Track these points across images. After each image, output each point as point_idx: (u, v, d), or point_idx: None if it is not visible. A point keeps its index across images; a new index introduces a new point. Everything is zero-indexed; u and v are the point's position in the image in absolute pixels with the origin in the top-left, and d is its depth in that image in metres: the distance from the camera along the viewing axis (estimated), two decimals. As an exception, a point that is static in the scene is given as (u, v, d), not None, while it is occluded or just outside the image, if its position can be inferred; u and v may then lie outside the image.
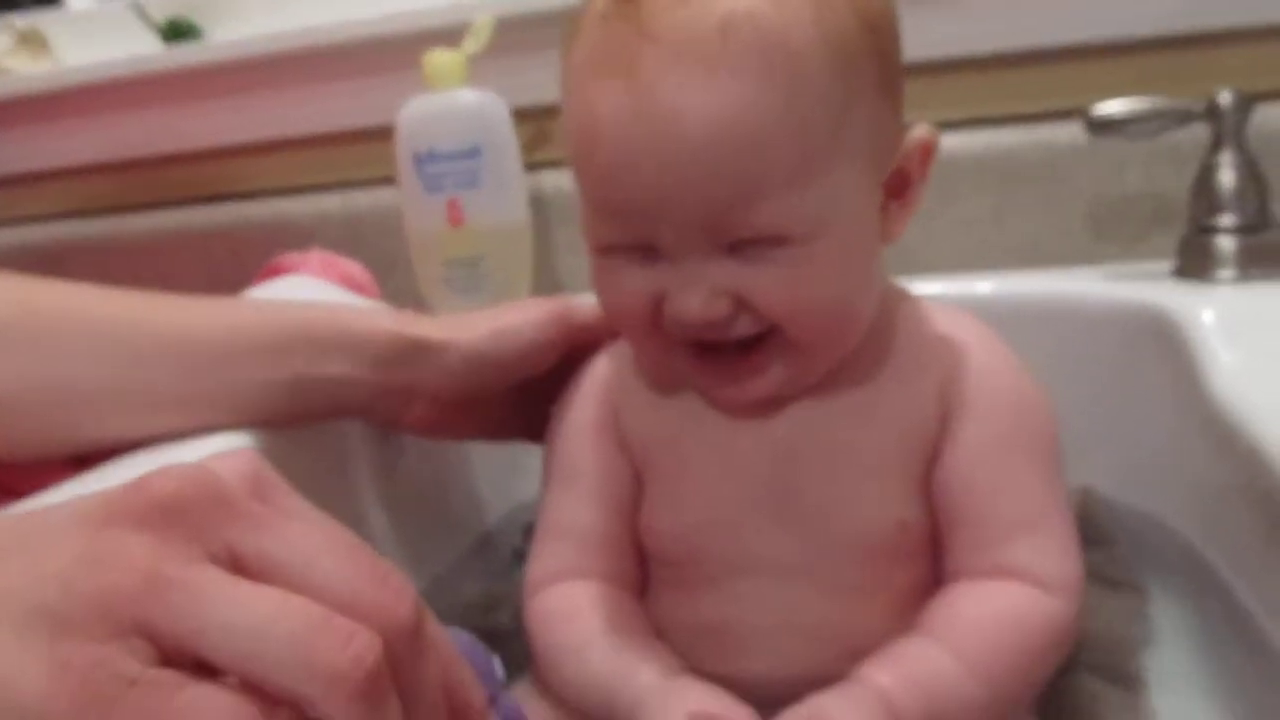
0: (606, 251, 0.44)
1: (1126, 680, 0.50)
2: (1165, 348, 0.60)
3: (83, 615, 0.24)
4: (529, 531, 0.56)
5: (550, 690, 0.48)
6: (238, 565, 0.26)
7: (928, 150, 0.46)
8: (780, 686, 0.44)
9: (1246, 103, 0.66)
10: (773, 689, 0.44)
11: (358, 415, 0.56)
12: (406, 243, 0.86)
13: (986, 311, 0.69)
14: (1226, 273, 0.65)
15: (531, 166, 0.89)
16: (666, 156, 0.39)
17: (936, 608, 0.45)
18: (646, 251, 0.43)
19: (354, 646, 0.25)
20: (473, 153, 0.79)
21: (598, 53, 0.41)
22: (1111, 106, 0.66)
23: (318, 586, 0.26)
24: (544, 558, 0.51)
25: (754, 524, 0.47)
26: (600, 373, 0.52)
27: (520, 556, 0.63)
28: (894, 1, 0.44)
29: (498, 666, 0.36)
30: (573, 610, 0.49)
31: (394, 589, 0.27)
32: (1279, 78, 0.77)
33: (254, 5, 1.10)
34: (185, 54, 1.05)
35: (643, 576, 0.51)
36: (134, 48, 1.11)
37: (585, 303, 0.54)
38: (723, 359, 0.44)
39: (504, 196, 0.81)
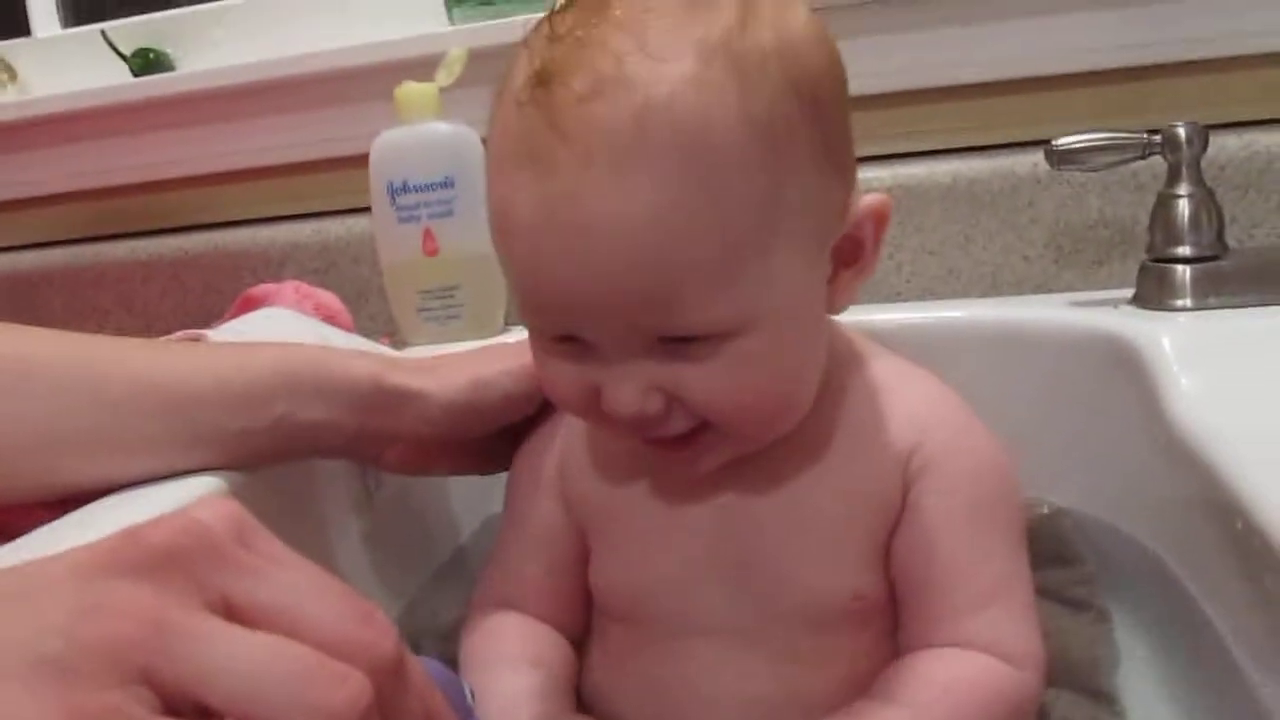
0: (537, 338, 0.43)
1: (1095, 696, 0.51)
2: (1126, 373, 0.62)
3: (89, 664, 0.24)
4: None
5: None
6: (231, 612, 0.27)
7: (881, 218, 0.44)
8: None
9: (1202, 135, 0.67)
10: None
11: (337, 456, 0.56)
12: (379, 271, 0.87)
13: (954, 339, 0.72)
14: (1183, 301, 0.66)
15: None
16: (581, 260, 0.38)
17: (900, 672, 0.44)
18: (577, 343, 0.41)
19: (348, 688, 0.26)
20: (446, 183, 0.80)
21: (512, 140, 0.39)
22: (1072, 138, 0.68)
23: (308, 630, 0.27)
24: (488, 585, 0.54)
25: (700, 587, 0.47)
26: (551, 432, 0.53)
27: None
28: (840, 64, 0.42)
29: (469, 692, 0.37)
30: (498, 631, 0.51)
31: (377, 628, 0.28)
32: (1233, 109, 0.80)
33: (225, 35, 1.11)
34: (158, 84, 1.05)
35: (584, 623, 0.53)
36: (103, 75, 1.11)
37: None
38: (663, 442, 0.43)
39: (478, 226, 0.80)
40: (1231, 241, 0.68)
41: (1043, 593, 0.57)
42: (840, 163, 0.42)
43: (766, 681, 0.46)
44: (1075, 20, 0.82)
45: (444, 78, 0.81)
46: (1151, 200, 0.70)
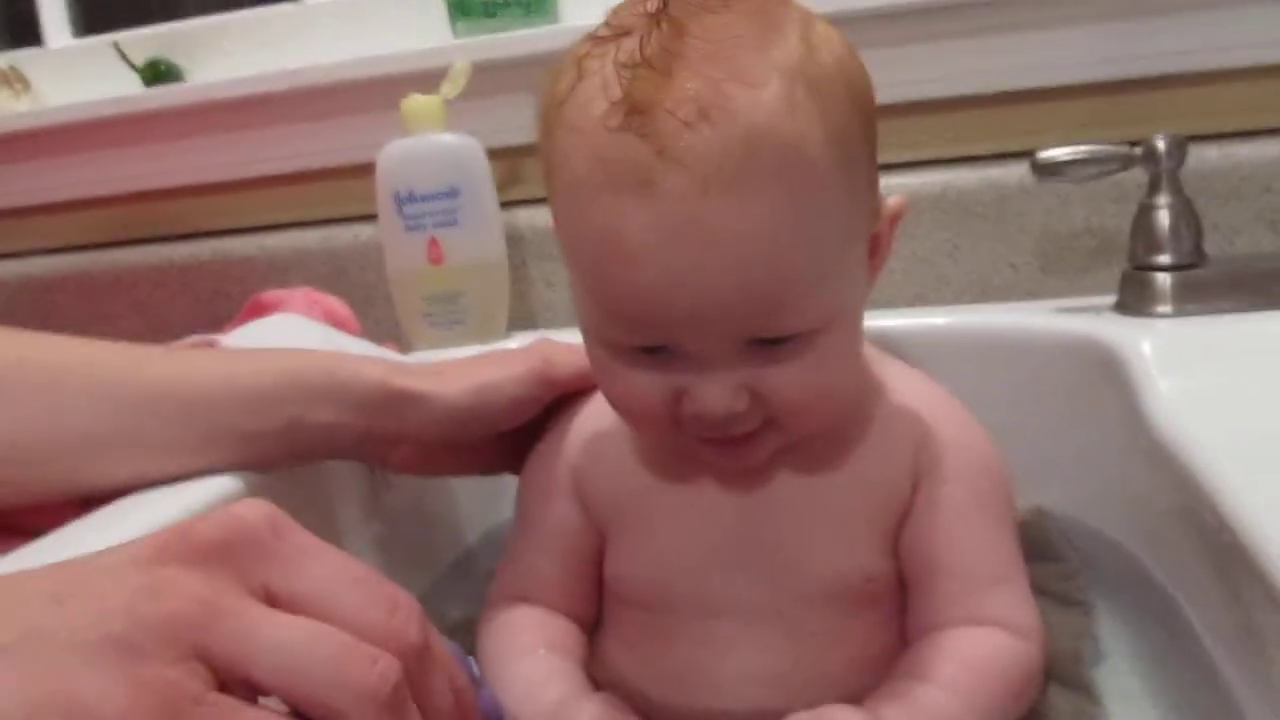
0: (618, 351, 0.44)
1: (1075, 688, 0.52)
2: (1108, 378, 0.63)
3: (151, 641, 0.27)
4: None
5: None
6: (271, 599, 0.30)
7: (898, 217, 0.48)
8: None
9: (1181, 146, 0.69)
10: None
11: (345, 458, 0.58)
12: (385, 277, 0.88)
13: (944, 344, 0.73)
14: (1164, 308, 0.68)
15: (506, 204, 0.92)
16: (699, 279, 0.39)
17: (925, 651, 0.46)
18: (661, 351, 0.43)
19: (380, 667, 0.29)
20: (451, 193, 0.82)
21: (610, 166, 0.39)
22: (1055, 151, 0.69)
23: (341, 617, 0.30)
24: (503, 583, 0.55)
25: (721, 571, 0.49)
26: (565, 433, 0.55)
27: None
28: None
29: (474, 667, 0.40)
30: (515, 624, 0.52)
31: (403, 614, 0.32)
32: (1214, 121, 0.82)
33: (234, 46, 1.13)
34: (169, 94, 1.07)
35: (594, 617, 0.54)
36: (114, 84, 1.13)
37: (564, 356, 0.56)
38: (728, 441, 0.45)
39: (481, 234, 0.84)
40: (1212, 250, 0.70)
41: (1031, 587, 0.60)
42: (876, 165, 0.46)
43: (783, 660, 0.48)
44: (1060, 36, 0.84)
45: (449, 90, 0.84)
46: (1135, 210, 0.71)
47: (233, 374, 0.53)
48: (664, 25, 0.40)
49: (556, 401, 0.57)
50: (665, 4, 0.40)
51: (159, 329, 1.09)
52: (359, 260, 1.02)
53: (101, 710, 0.26)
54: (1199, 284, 0.68)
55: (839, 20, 0.82)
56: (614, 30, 0.41)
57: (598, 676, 0.52)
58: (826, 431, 0.47)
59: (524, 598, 0.54)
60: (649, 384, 0.43)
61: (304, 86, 1.00)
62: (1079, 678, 0.53)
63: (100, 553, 0.31)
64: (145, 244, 1.12)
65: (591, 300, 0.44)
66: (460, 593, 0.67)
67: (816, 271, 0.41)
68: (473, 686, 0.36)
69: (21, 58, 1.20)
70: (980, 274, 0.86)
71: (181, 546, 0.29)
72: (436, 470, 0.60)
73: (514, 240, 0.91)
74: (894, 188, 0.86)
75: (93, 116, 1.08)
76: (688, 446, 0.46)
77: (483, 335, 0.84)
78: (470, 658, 0.40)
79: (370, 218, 0.94)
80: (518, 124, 0.85)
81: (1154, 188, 0.70)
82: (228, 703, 0.28)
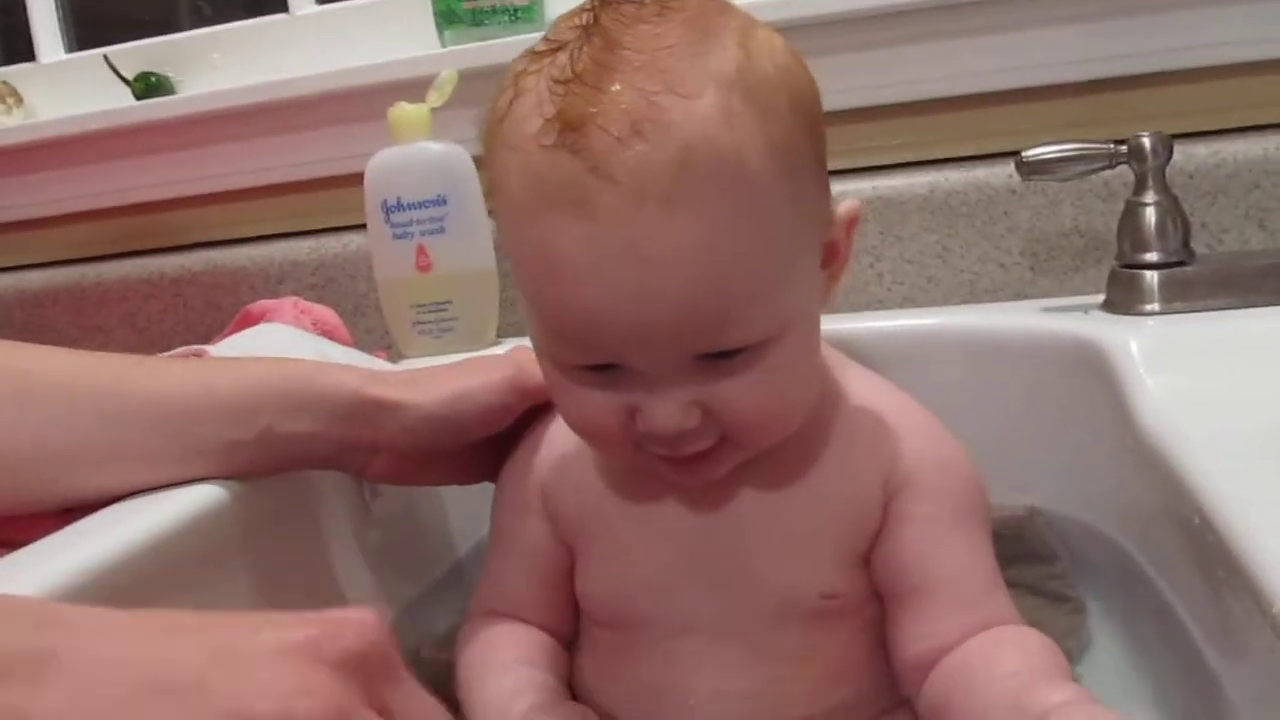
0: (566, 369, 0.44)
1: None
2: (1096, 376, 0.63)
3: None
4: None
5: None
6: (385, 716, 0.32)
7: (853, 222, 0.46)
8: None
9: (1167, 144, 0.69)
10: None
11: (323, 467, 0.57)
12: (375, 286, 0.89)
13: (933, 345, 0.74)
14: (1151, 305, 0.68)
15: (495, 213, 0.92)
16: (637, 296, 0.38)
17: (975, 652, 0.45)
18: (611, 368, 0.42)
19: None
20: (439, 201, 0.82)
21: (545, 185, 0.39)
22: (1041, 150, 0.70)
23: None
24: (481, 599, 0.55)
25: (687, 588, 0.48)
26: (536, 448, 0.55)
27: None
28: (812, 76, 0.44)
29: None
30: (492, 638, 0.52)
31: None
32: (1201, 119, 0.82)
33: (224, 59, 1.13)
34: (160, 107, 1.07)
35: (573, 626, 0.54)
36: (106, 99, 1.13)
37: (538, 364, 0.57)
38: (684, 459, 0.44)
39: (469, 242, 0.84)
40: (1200, 248, 0.70)
41: (1022, 586, 0.60)
42: (825, 172, 0.44)
43: (748, 678, 0.48)
44: (1045, 35, 0.84)
45: (435, 99, 0.84)
46: (1121, 208, 0.71)
47: (211, 384, 0.53)
48: (595, 38, 0.39)
49: (533, 410, 0.57)
50: (597, 17, 0.40)
51: (151, 341, 1.10)
52: (349, 269, 1.02)
53: None
54: (1186, 282, 0.68)
55: (821, 23, 0.83)
56: (550, 45, 0.40)
57: (574, 694, 0.53)
58: (785, 443, 0.46)
59: (502, 613, 0.54)
60: (601, 402, 0.43)
61: (293, 97, 1.01)
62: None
63: (253, 625, 0.33)
64: (137, 256, 1.13)
65: (537, 319, 0.43)
66: (449, 603, 0.67)
67: (761, 284, 0.40)
68: None
69: (14, 73, 1.20)
70: (969, 274, 0.86)
71: (329, 649, 0.31)
72: (415, 480, 0.61)
73: (503, 248, 0.91)
74: (881, 189, 0.87)
75: (85, 130, 1.09)
76: (647, 463, 0.45)
77: (472, 342, 0.84)
78: None
79: (360, 227, 0.94)
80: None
81: (1141, 186, 0.70)
82: None
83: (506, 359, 0.57)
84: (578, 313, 0.40)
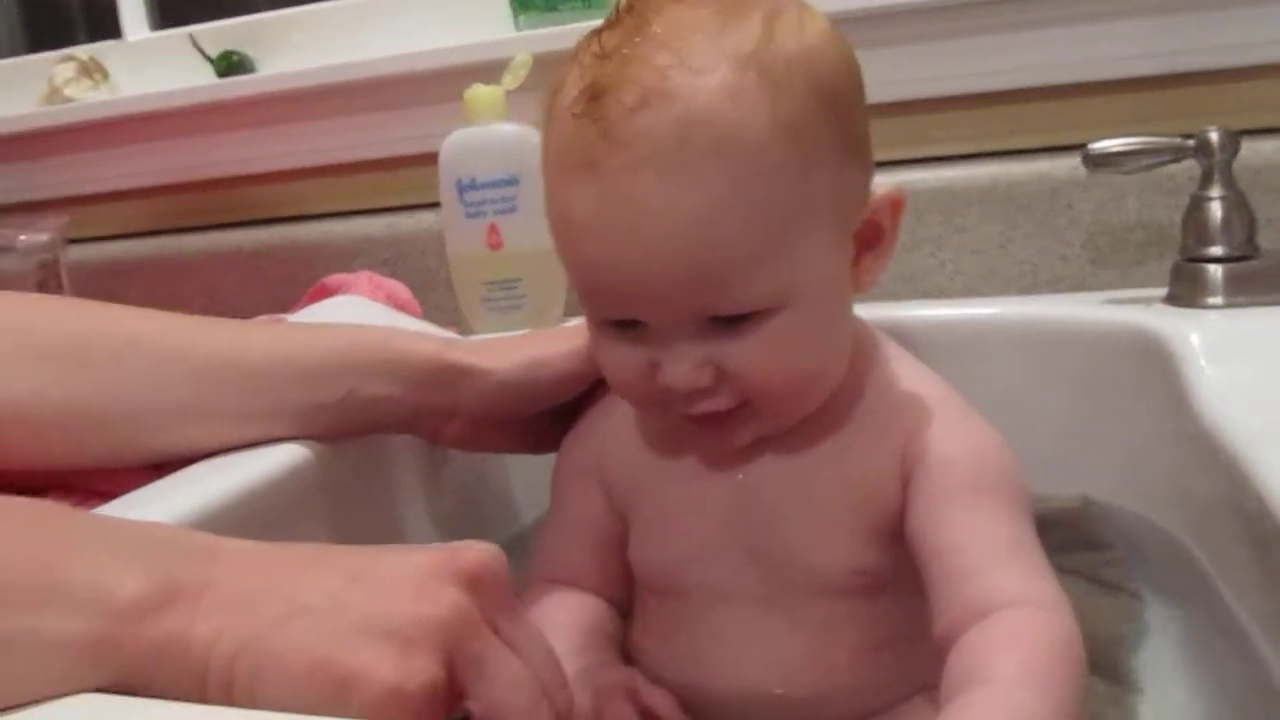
0: (599, 325, 0.47)
1: (1115, 675, 0.53)
2: (1158, 369, 0.63)
3: (422, 638, 0.33)
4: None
5: None
6: (497, 634, 0.36)
7: (897, 205, 0.48)
8: (760, 710, 0.49)
9: (1234, 139, 0.69)
10: (753, 712, 0.49)
11: (400, 431, 0.59)
12: (445, 263, 0.90)
13: (993, 334, 0.74)
14: (1215, 299, 0.68)
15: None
16: (635, 256, 0.42)
17: (966, 653, 0.43)
18: (636, 325, 0.45)
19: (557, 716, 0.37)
20: (511, 181, 0.84)
21: (567, 148, 0.43)
22: (1108, 143, 0.70)
23: (536, 667, 0.36)
24: (539, 565, 0.57)
25: (726, 560, 0.50)
26: (592, 421, 0.57)
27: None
28: (856, 65, 0.47)
29: None
30: (550, 603, 0.54)
31: (566, 694, 0.38)
32: (1265, 115, 0.81)
33: (304, 39, 1.16)
34: (241, 85, 1.10)
35: (628, 594, 0.56)
36: (189, 76, 1.16)
37: None
38: (707, 418, 0.47)
39: (540, 222, 0.84)
40: (1265, 243, 0.70)
41: (1076, 574, 0.60)
42: (859, 154, 0.46)
43: (788, 646, 0.49)
44: (1112, 28, 0.84)
45: (510, 81, 0.85)
46: (1186, 203, 0.72)
47: (296, 347, 0.55)
48: (630, 18, 0.43)
49: (599, 383, 0.58)
50: None
51: (228, 312, 1.09)
52: (420, 246, 1.04)
53: (369, 684, 0.31)
54: (1251, 276, 0.68)
55: (889, 14, 0.83)
56: (604, 23, 0.44)
57: (628, 658, 0.54)
58: (813, 419, 0.48)
59: (560, 578, 0.56)
60: (626, 357, 0.46)
61: (370, 78, 1.03)
62: (1120, 663, 0.54)
63: (386, 551, 0.37)
64: (216, 229, 1.16)
65: (568, 276, 0.47)
66: (511, 568, 0.69)
67: (758, 251, 0.42)
68: None
69: (101, 49, 1.24)
70: (1031, 266, 0.86)
71: (452, 567, 0.35)
72: (487, 445, 0.62)
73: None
74: (945, 179, 0.87)
75: (167, 106, 1.12)
76: (677, 424, 0.48)
77: (539, 320, 0.86)
78: None
79: (431, 205, 0.96)
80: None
81: (1207, 180, 0.70)
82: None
83: (577, 329, 0.58)
84: (589, 267, 0.44)
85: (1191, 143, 0.70)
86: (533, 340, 0.59)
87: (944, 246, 0.88)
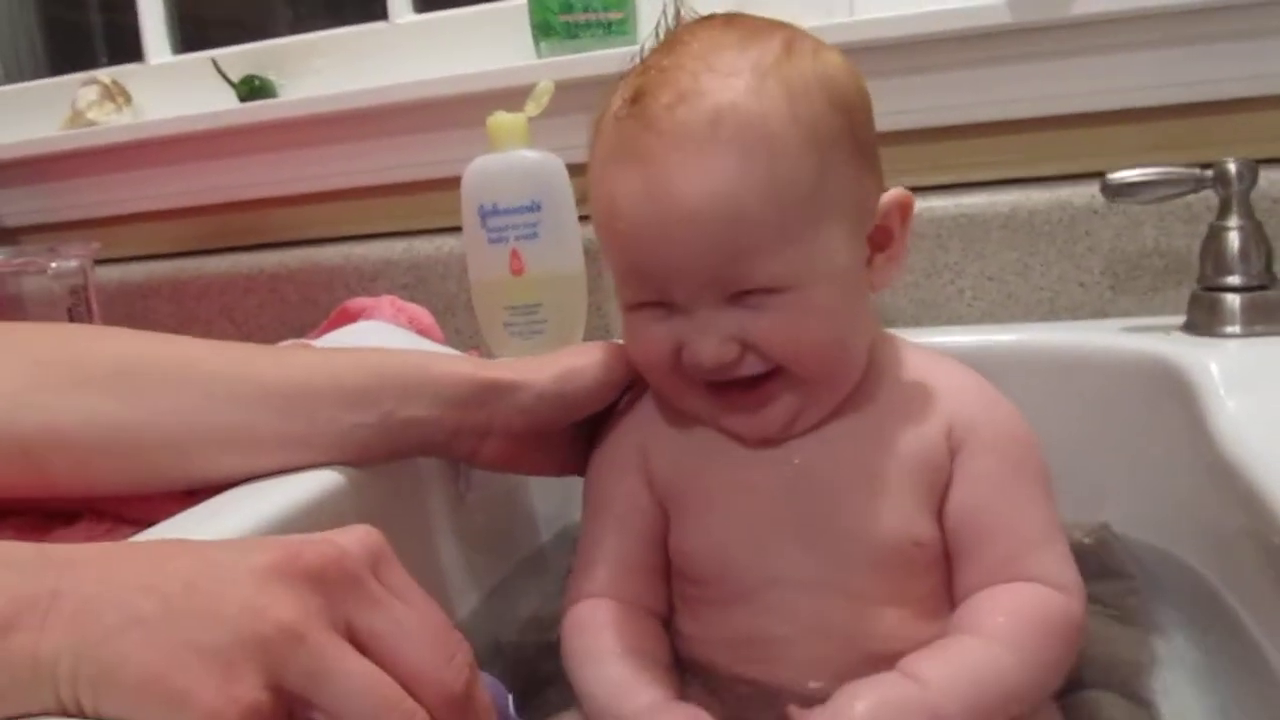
0: (633, 308, 0.52)
1: (1135, 698, 0.54)
2: (1176, 397, 0.64)
3: (245, 660, 0.32)
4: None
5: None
6: (350, 632, 0.35)
7: (905, 207, 0.53)
8: (808, 689, 0.50)
9: (1252, 169, 0.70)
10: (802, 691, 0.50)
11: (437, 453, 0.60)
12: (466, 287, 0.91)
13: (1012, 361, 0.75)
14: (1233, 328, 0.69)
15: (586, 219, 0.94)
16: (671, 227, 0.47)
17: (968, 608, 0.50)
18: (666, 307, 0.50)
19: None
20: (533, 207, 0.85)
21: (614, 146, 0.49)
22: (1126, 173, 0.71)
23: (401, 663, 0.35)
24: (580, 579, 0.57)
25: (776, 543, 0.52)
26: (629, 414, 0.58)
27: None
28: (867, 92, 0.52)
29: (510, 705, 0.44)
30: (597, 624, 0.54)
31: (455, 668, 0.36)
32: (1283, 145, 0.82)
33: (325, 64, 1.17)
34: (263, 109, 1.11)
35: (669, 598, 0.57)
36: (211, 100, 1.17)
37: None
38: (735, 393, 0.51)
39: (561, 248, 0.86)
40: (1281, 273, 0.71)
41: (1095, 602, 0.60)
42: (871, 163, 0.52)
43: (839, 622, 0.51)
44: (1131, 59, 0.85)
45: (532, 108, 0.86)
46: (1205, 231, 0.72)
47: (334, 370, 0.55)
48: (669, 42, 0.51)
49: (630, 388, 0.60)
50: (677, 24, 0.53)
51: (248, 334, 1.14)
52: (440, 270, 1.05)
53: (193, 709, 0.31)
54: (1269, 305, 0.69)
55: (911, 44, 0.84)
56: (651, 51, 0.52)
57: (675, 654, 0.55)
58: (849, 402, 0.52)
59: (603, 593, 0.56)
60: (656, 336, 0.51)
61: (392, 103, 1.04)
62: (1138, 689, 0.55)
63: (229, 550, 0.35)
64: (237, 252, 1.16)
65: (608, 263, 0.53)
66: (533, 588, 0.70)
67: (777, 230, 0.47)
68: None
69: (124, 72, 1.25)
70: (1049, 292, 0.87)
71: (289, 569, 0.34)
72: (523, 464, 0.62)
73: (592, 253, 0.94)
74: (964, 207, 0.88)
75: (190, 129, 1.13)
76: (708, 410, 0.52)
77: (561, 344, 0.84)
78: (509, 695, 0.44)
79: (451, 230, 0.97)
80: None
81: (1225, 210, 0.71)
82: None
83: (601, 343, 0.60)
84: (629, 246, 0.50)
85: (1210, 173, 0.70)
86: (562, 355, 0.60)
87: (963, 274, 0.88)
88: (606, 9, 0.99)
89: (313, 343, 0.75)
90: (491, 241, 0.86)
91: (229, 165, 1.15)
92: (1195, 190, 0.71)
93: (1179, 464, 0.63)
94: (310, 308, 1.09)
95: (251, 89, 1.15)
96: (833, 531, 0.51)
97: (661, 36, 0.53)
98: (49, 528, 0.54)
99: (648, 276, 0.50)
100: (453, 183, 0.88)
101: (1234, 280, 0.70)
